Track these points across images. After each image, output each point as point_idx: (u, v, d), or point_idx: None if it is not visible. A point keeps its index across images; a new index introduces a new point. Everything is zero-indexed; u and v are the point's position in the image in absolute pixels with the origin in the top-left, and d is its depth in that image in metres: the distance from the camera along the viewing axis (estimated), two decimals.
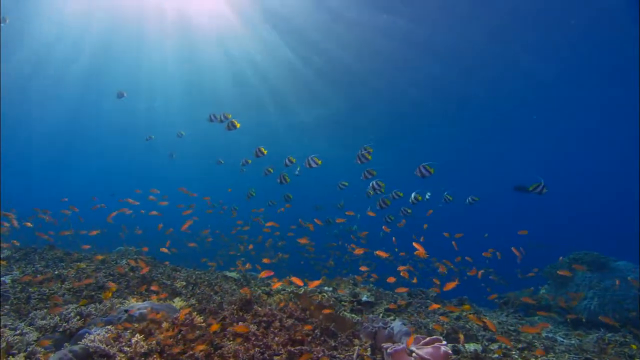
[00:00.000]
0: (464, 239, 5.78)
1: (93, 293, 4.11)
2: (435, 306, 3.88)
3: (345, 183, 6.12)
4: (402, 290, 4.66)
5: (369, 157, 4.92)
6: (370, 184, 5.15)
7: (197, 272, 5.82)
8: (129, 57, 14.17)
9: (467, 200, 6.12)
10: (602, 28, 10.83)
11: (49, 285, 4.25)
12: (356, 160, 4.97)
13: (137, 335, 2.52)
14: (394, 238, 4.94)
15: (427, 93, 15.31)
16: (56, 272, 4.64)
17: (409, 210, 5.75)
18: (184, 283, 4.93)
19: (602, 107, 15.59)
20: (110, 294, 3.45)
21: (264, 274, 3.78)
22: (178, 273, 5.68)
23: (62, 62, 14.39)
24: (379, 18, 11.10)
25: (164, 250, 5.45)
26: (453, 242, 4.91)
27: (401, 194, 5.49)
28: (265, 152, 5.24)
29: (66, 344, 2.60)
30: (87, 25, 12.28)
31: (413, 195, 5.21)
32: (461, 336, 3.39)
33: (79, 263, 5.22)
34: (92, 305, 3.36)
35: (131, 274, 4.91)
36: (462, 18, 10.99)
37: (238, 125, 5.21)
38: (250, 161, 5.94)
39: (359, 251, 3.76)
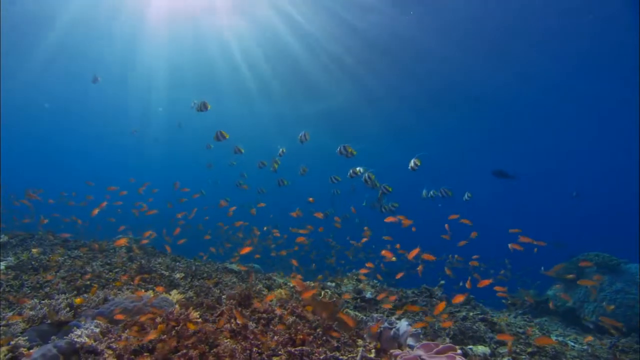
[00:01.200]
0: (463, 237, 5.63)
1: (88, 282, 3.97)
2: (446, 322, 3.66)
3: (338, 177, 5.96)
4: (391, 298, 4.48)
5: (352, 151, 4.94)
6: (363, 177, 5.11)
7: (197, 263, 5.69)
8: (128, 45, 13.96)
9: (464, 197, 6.16)
10: (602, 28, 10.74)
11: (44, 274, 4.12)
12: (338, 152, 5.00)
13: (128, 331, 2.37)
14: (413, 227, 4.75)
15: (432, 90, 15.13)
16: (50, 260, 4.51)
17: (396, 204, 5.68)
18: (183, 274, 4.78)
19: (603, 107, 15.38)
20: (95, 289, 3.29)
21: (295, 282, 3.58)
22: (178, 264, 5.54)
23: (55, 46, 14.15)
24: (386, 13, 10.88)
25: (145, 241, 5.31)
26: (474, 233, 4.72)
27: (390, 189, 5.46)
28: (227, 135, 5.14)
29: (54, 337, 2.45)
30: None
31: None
32: None
33: (58, 253, 5.09)
34: (85, 295, 3.22)
35: (128, 263, 4.77)
36: (468, 17, 10.80)
37: (209, 107, 5.13)
38: (242, 150, 5.79)
39: (388, 254, 3.54)
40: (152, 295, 3.17)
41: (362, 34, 11.87)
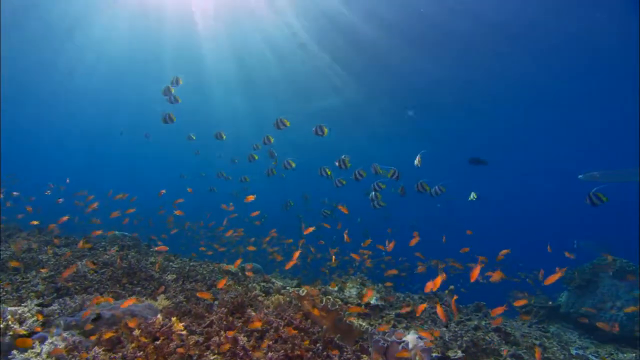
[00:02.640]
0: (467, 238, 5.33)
1: (69, 284, 3.67)
2: None
3: (329, 172, 5.67)
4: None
5: (326, 130, 4.92)
6: (354, 173, 4.98)
7: (191, 264, 5.37)
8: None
9: (470, 197, 6.10)
10: (603, 27, 10.45)
11: (24, 274, 3.83)
12: (313, 132, 4.98)
13: (96, 348, 2.05)
14: (444, 237, 4.45)
15: (435, 88, 14.81)
16: (35, 258, 4.22)
17: (383, 204, 5.55)
18: (175, 276, 4.47)
19: (602, 106, 15.11)
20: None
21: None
22: (171, 263, 5.24)
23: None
24: (397, 9, 10.57)
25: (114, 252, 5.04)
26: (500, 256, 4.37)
27: (384, 186, 5.34)
28: (174, 119, 4.93)
29: (15, 352, 2.13)
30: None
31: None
32: None
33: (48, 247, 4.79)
34: (60, 300, 2.91)
35: (118, 262, 4.46)
36: (468, 16, 10.52)
37: (173, 89, 4.91)
38: (224, 136, 5.51)
39: (421, 269, 3.19)
40: (134, 302, 2.85)
41: (367, 31, 11.61)
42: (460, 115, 17.26)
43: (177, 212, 6.76)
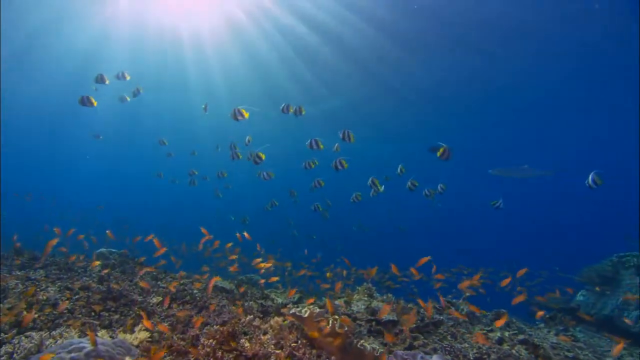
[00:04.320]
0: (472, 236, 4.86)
1: (36, 315, 3.17)
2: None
3: (312, 164, 5.31)
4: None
5: (246, 115, 4.79)
6: (334, 163, 4.74)
7: (181, 282, 4.88)
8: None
9: (495, 205, 5.74)
10: (603, 27, 10.21)
11: None
12: (231, 116, 4.87)
13: None
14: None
15: (432, 89, 14.49)
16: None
17: (359, 197, 5.51)
18: (161, 298, 3.98)
19: (602, 106, 14.84)
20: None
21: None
22: (159, 282, 4.75)
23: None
24: (395, 7, 10.23)
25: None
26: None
27: (377, 182, 5.17)
28: (95, 103, 5.02)
29: None
30: None
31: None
32: None
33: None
34: (14, 341, 2.42)
35: (95, 287, 3.97)
36: (466, 16, 10.24)
37: (107, 81, 4.91)
38: (141, 90, 5.47)
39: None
40: (103, 339, 2.36)
41: (362, 32, 11.27)
42: (458, 115, 16.92)
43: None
